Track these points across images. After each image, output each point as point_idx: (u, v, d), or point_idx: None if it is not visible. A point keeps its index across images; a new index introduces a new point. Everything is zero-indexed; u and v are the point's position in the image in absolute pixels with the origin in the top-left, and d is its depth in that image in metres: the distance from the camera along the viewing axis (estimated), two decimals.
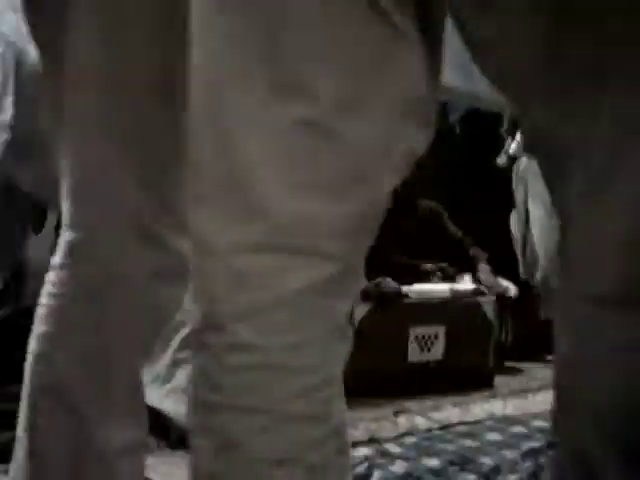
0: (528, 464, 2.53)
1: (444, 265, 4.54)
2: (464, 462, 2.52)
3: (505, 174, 5.68)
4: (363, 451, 2.59)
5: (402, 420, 3.11)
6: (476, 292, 4.10)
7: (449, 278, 4.46)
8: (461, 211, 5.12)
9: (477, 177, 5.69)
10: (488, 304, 4.05)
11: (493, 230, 5.33)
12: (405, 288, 3.84)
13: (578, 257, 0.94)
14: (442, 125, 5.48)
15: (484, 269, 4.60)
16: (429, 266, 4.50)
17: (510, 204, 5.67)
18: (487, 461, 2.55)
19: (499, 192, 5.70)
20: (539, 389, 4.07)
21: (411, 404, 3.33)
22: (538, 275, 4.83)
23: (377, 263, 4.28)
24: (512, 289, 4.62)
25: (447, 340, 3.81)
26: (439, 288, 4.07)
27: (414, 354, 3.72)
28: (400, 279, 4.01)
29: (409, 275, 4.34)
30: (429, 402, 3.39)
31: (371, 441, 2.70)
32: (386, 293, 3.68)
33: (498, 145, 5.81)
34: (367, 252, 3.74)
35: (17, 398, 2.11)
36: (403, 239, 4.60)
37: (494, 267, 4.65)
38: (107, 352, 1.46)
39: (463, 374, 3.83)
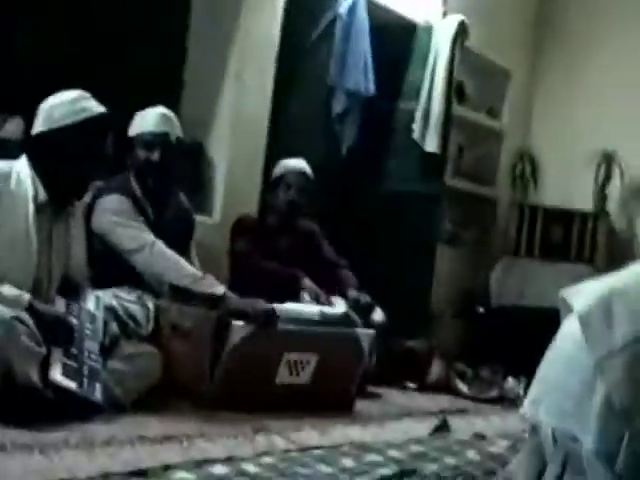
0: None
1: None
2: None
3: (384, 205, 5.81)
4: (220, 469, 2.59)
5: (261, 439, 3.13)
6: (345, 317, 4.15)
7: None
8: (339, 234, 5.19)
9: (360, 203, 5.79)
10: (364, 335, 4.12)
11: (367, 257, 5.43)
12: (276, 306, 3.87)
13: None
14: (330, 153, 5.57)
15: (354, 294, 4.67)
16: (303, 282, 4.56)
17: (389, 232, 5.78)
18: None
19: (378, 220, 5.82)
20: (396, 416, 4.15)
21: (272, 424, 3.35)
22: None
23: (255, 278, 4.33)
24: (380, 315, 4.69)
25: (317, 367, 3.87)
26: (309, 310, 4.11)
27: (282, 377, 3.76)
28: (273, 294, 4.07)
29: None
30: (290, 423, 3.42)
31: (228, 459, 2.70)
32: (264, 316, 3.71)
33: (381, 174, 5.93)
34: (245, 268, 3.72)
35: None
36: (279, 257, 4.65)
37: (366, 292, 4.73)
38: None
39: (327, 398, 3.88)
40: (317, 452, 3.02)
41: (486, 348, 5.95)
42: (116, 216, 3.85)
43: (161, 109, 4.02)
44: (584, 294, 2.60)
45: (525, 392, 4.96)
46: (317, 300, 4.45)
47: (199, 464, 2.59)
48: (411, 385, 5.28)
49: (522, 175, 6.98)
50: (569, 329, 2.61)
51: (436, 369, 5.43)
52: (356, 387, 4.22)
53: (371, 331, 4.23)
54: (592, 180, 6.55)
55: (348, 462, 2.93)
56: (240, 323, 3.62)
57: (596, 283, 2.66)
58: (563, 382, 2.55)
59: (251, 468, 2.66)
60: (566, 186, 6.72)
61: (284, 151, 4.98)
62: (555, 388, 2.59)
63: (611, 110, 6.62)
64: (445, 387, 5.36)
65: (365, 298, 4.65)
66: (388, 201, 5.92)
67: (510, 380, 5.39)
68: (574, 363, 2.52)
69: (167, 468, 2.48)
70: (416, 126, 5.88)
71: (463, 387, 5.36)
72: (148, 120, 3.98)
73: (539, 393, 2.68)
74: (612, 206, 6.61)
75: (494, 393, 5.30)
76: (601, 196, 6.54)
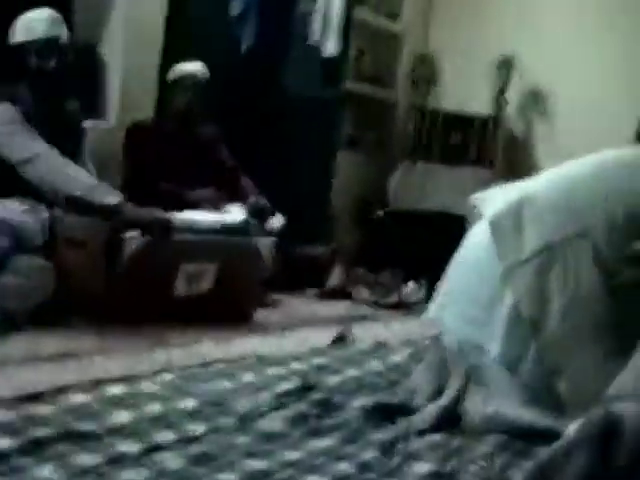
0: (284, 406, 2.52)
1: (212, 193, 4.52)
2: (219, 404, 2.49)
3: (284, 109, 5.70)
4: (117, 389, 2.51)
5: (160, 354, 3.07)
6: (244, 224, 4.09)
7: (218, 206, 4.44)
8: (239, 138, 5.09)
9: (260, 107, 5.65)
10: (263, 243, 4.08)
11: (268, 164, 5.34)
12: (174, 216, 3.78)
13: None
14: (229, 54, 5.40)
15: (253, 200, 4.59)
16: (198, 193, 4.46)
17: (288, 137, 5.69)
18: (242, 403, 2.52)
19: (278, 126, 5.71)
20: (297, 325, 4.12)
21: (171, 338, 3.30)
22: None
23: (147, 190, 4.21)
24: (279, 220, 4.63)
25: (216, 277, 3.81)
26: (208, 218, 4.03)
27: (180, 288, 3.70)
28: (169, 205, 3.97)
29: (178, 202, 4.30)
30: (189, 336, 3.37)
31: (126, 378, 2.63)
32: (159, 227, 3.62)
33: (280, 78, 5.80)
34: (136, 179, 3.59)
35: None
36: (177, 164, 4.53)
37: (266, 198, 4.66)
38: None
39: (226, 309, 3.84)
40: (217, 366, 2.97)
41: (386, 253, 5.96)
42: (3, 126, 3.67)
43: (47, 11, 3.81)
44: (495, 200, 2.58)
45: (426, 296, 5.01)
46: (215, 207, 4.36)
47: (96, 384, 2.52)
48: (312, 291, 5.26)
49: (421, 79, 6.93)
50: (479, 235, 2.60)
51: (336, 275, 5.42)
52: (256, 296, 4.18)
53: (270, 238, 4.18)
54: (491, 85, 6.53)
55: (249, 376, 2.86)
56: (133, 233, 3.53)
57: (507, 189, 2.64)
58: (471, 288, 2.54)
59: (149, 386, 2.60)
60: (465, 91, 6.68)
61: (181, 53, 4.82)
62: (463, 293, 2.58)
63: (510, 15, 6.58)
64: (345, 293, 5.35)
65: (264, 203, 4.57)
66: (288, 106, 5.79)
67: (410, 285, 5.41)
68: (483, 270, 2.52)
69: (62, 390, 2.40)
70: (315, 29, 5.76)
71: (363, 293, 5.37)
72: (37, 26, 3.76)
73: (446, 298, 2.67)
74: (511, 111, 6.61)
75: (394, 298, 5.32)
76: (500, 101, 6.52)
